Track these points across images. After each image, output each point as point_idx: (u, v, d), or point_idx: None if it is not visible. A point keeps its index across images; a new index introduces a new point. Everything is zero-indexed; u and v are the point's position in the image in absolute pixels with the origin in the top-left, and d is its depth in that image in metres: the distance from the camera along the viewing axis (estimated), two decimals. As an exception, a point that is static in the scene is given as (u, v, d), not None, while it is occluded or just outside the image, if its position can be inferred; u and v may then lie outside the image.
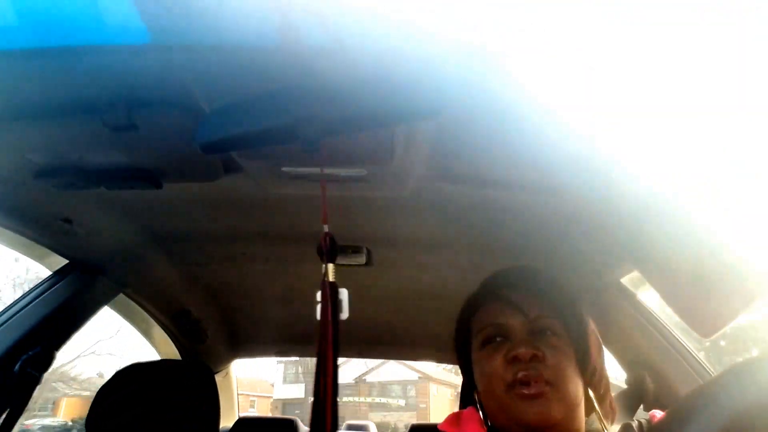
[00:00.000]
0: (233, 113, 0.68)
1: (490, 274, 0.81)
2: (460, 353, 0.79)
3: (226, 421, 1.87)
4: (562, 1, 0.51)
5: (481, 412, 0.73)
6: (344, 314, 0.58)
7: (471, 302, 0.79)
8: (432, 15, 0.52)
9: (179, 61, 0.61)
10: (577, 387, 0.68)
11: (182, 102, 0.68)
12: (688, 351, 1.13)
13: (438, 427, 0.75)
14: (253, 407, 15.69)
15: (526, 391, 0.65)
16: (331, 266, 0.58)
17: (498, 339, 0.71)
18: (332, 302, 0.57)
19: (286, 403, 16.57)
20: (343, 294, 0.58)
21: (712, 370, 1.10)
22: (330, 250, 0.58)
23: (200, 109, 0.69)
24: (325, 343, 0.56)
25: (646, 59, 0.52)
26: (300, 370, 17.14)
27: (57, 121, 0.73)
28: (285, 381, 17.87)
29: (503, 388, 0.67)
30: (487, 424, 0.73)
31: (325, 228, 0.59)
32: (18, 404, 1.11)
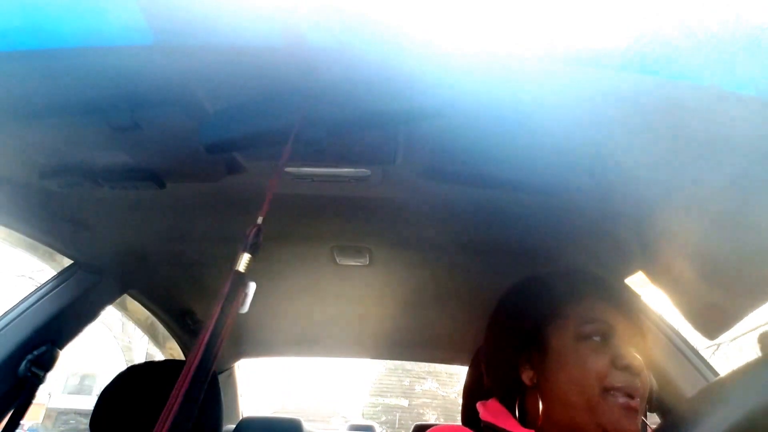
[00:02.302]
0: (237, 114, 0.68)
1: (572, 269, 0.80)
2: (512, 335, 0.76)
3: (230, 421, 1.88)
4: (562, 2, 0.51)
5: (540, 401, 0.72)
6: (244, 309, 0.56)
7: (561, 288, 0.76)
8: (434, 16, 0.52)
9: (183, 62, 0.61)
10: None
11: (186, 102, 0.68)
12: (694, 352, 1.12)
13: (481, 416, 0.74)
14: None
15: (632, 404, 0.65)
16: (246, 257, 0.56)
17: (599, 338, 0.69)
18: (231, 294, 0.54)
19: (60, 413, 15.87)
20: (250, 288, 0.56)
21: (718, 371, 1.09)
22: (253, 243, 0.56)
23: (204, 110, 0.69)
24: (206, 334, 0.54)
25: (645, 59, 0.52)
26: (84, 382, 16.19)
27: (61, 122, 0.73)
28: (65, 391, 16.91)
29: (599, 389, 0.66)
30: (516, 414, 0.72)
31: (259, 220, 0.58)
32: (22, 403, 1.12)
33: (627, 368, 0.66)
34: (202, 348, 0.52)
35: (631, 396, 0.66)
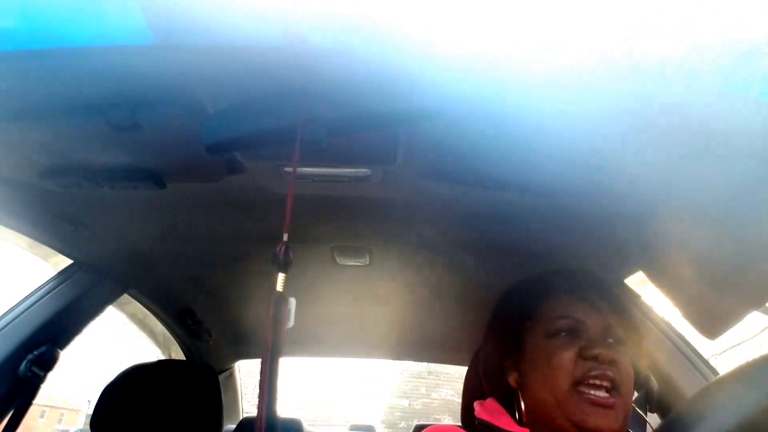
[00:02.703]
0: (237, 114, 0.68)
1: (554, 269, 0.79)
2: (499, 338, 0.77)
3: (230, 421, 1.88)
4: (563, 2, 0.51)
5: (523, 402, 0.72)
6: (290, 323, 0.58)
7: (534, 288, 0.77)
8: (435, 16, 0.52)
9: (183, 62, 0.61)
10: (631, 401, 0.68)
11: (186, 102, 0.68)
12: (694, 352, 1.12)
13: (476, 414, 0.74)
14: (60, 422, 14.98)
15: (601, 398, 0.64)
16: (281, 276, 0.57)
17: (567, 334, 0.69)
18: (277, 314, 0.56)
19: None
20: (292, 304, 0.58)
21: (718, 371, 1.09)
22: (284, 261, 0.57)
23: (204, 110, 0.69)
24: (267, 353, 0.55)
25: (646, 59, 0.52)
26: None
27: (61, 122, 0.73)
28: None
29: (568, 384, 0.65)
30: (512, 415, 0.72)
31: (285, 237, 0.59)
32: (23, 403, 1.12)
33: (595, 358, 0.65)
34: (267, 373, 0.55)
35: (602, 388, 0.64)
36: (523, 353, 0.72)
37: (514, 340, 0.74)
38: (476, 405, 0.76)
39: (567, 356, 0.67)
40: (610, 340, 0.69)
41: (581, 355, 0.66)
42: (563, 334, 0.69)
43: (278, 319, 0.56)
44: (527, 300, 0.76)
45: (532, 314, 0.73)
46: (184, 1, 0.52)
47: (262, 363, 0.55)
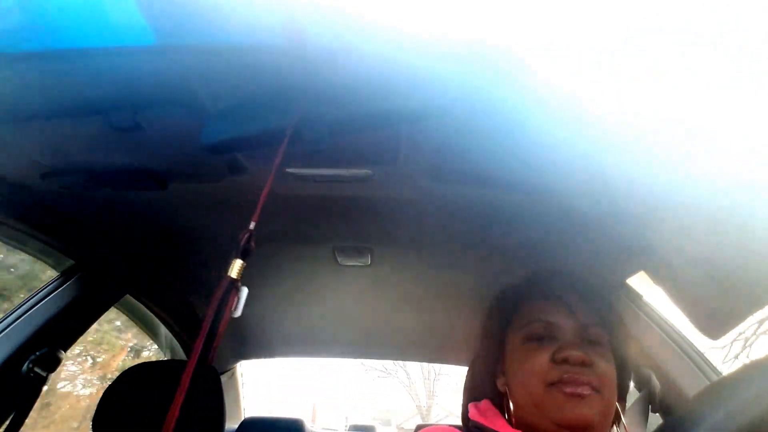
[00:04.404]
0: (238, 114, 0.68)
1: (534, 272, 0.80)
2: (488, 344, 0.78)
3: (232, 422, 1.88)
4: (563, 3, 0.51)
5: (512, 405, 0.72)
6: (237, 312, 0.56)
7: (514, 294, 0.78)
8: (437, 17, 0.52)
9: (184, 62, 0.61)
10: (614, 398, 0.68)
11: (187, 103, 0.68)
12: (696, 352, 1.12)
13: (469, 416, 0.75)
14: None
15: (569, 390, 0.64)
16: (239, 263, 0.56)
17: (543, 337, 0.70)
18: (224, 300, 0.54)
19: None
20: (243, 293, 0.56)
21: (720, 370, 1.09)
22: (245, 248, 0.56)
23: (205, 110, 0.69)
24: (202, 339, 0.53)
25: (647, 59, 0.52)
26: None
27: (63, 123, 0.73)
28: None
29: (543, 387, 0.66)
30: (505, 417, 0.72)
31: (251, 225, 0.58)
32: (26, 404, 1.12)
33: (565, 360, 0.66)
34: (198, 352, 0.52)
35: (570, 383, 0.64)
36: (506, 359, 0.74)
37: (499, 346, 0.76)
38: (471, 407, 0.77)
39: (539, 360, 0.67)
40: (587, 341, 0.69)
41: (553, 359, 0.67)
42: (536, 338, 0.70)
43: (223, 304, 0.54)
44: (507, 307, 0.77)
45: (510, 321, 0.75)
46: (185, 2, 0.52)
47: (195, 347, 0.53)
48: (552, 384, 0.65)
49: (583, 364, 0.66)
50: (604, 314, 0.73)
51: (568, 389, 0.64)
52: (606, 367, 0.67)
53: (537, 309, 0.73)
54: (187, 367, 0.52)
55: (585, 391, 0.64)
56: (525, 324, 0.72)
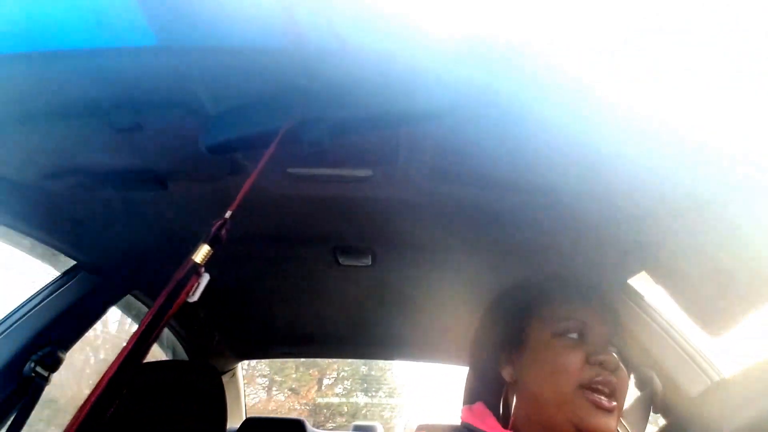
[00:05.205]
0: (238, 114, 0.68)
1: (552, 273, 0.81)
2: (499, 330, 0.77)
3: (233, 421, 1.88)
4: (563, 3, 0.51)
5: (515, 399, 0.73)
6: (194, 297, 0.56)
7: (545, 286, 0.78)
8: (437, 18, 0.52)
9: (185, 63, 0.61)
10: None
11: (188, 103, 0.69)
12: (698, 352, 1.12)
13: (462, 418, 0.75)
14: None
15: (604, 403, 0.65)
16: (205, 248, 0.56)
17: (575, 336, 0.70)
18: (183, 281, 0.55)
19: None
20: (204, 279, 0.57)
21: (722, 371, 1.09)
22: (214, 235, 0.57)
23: (205, 111, 0.69)
24: (150, 315, 0.53)
25: (646, 60, 0.52)
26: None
27: (64, 124, 0.73)
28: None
29: (574, 387, 0.67)
30: (500, 412, 0.72)
31: (227, 214, 0.58)
32: (27, 404, 1.12)
33: (601, 364, 0.67)
34: (140, 332, 0.52)
35: (604, 394, 0.66)
36: (525, 348, 0.73)
37: (516, 334, 0.75)
38: (464, 410, 0.77)
39: (574, 359, 0.68)
40: (612, 348, 0.70)
41: (588, 360, 0.67)
42: (571, 335, 0.70)
43: (181, 285, 0.54)
44: (535, 296, 0.77)
45: (538, 314, 0.74)
46: (186, 2, 0.53)
47: (141, 323, 0.53)
48: (583, 386, 0.66)
49: (615, 369, 0.67)
50: (621, 325, 0.74)
51: (604, 400, 0.65)
52: (626, 376, 0.69)
53: (572, 307, 0.73)
54: (122, 350, 0.51)
55: (614, 403, 0.66)
56: (560, 319, 0.72)
